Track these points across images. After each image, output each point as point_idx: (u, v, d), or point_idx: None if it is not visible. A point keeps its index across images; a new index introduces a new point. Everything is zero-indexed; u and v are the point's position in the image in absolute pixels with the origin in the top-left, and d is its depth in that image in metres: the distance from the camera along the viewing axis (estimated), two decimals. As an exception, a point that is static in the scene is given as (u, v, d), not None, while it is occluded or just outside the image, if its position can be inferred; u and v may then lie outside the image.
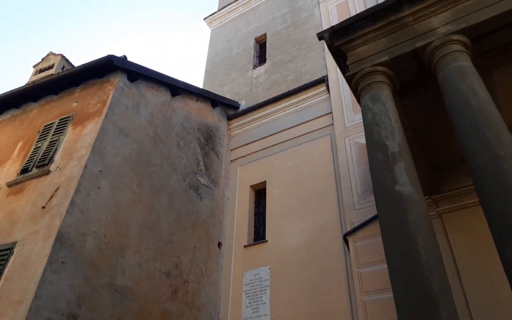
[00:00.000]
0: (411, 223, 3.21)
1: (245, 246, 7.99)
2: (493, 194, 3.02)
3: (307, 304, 6.60)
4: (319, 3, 10.83)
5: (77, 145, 6.36)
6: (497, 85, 4.59)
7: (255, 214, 8.58)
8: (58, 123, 7.03)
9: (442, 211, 5.63)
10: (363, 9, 9.11)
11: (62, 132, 6.80)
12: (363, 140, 6.65)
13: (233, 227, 8.38)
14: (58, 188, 5.78)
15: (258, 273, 7.45)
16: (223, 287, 7.80)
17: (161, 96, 8.34)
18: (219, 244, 8.26)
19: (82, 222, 5.52)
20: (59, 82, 7.59)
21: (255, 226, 8.39)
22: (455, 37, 3.99)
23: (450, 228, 5.51)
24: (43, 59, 11.80)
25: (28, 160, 6.66)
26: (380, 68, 4.32)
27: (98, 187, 5.95)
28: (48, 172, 6.15)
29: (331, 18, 10.01)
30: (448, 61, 3.94)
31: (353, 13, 9.22)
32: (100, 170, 6.09)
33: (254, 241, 8.09)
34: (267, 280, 7.27)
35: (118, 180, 6.32)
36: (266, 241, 7.76)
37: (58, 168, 6.14)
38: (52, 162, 6.30)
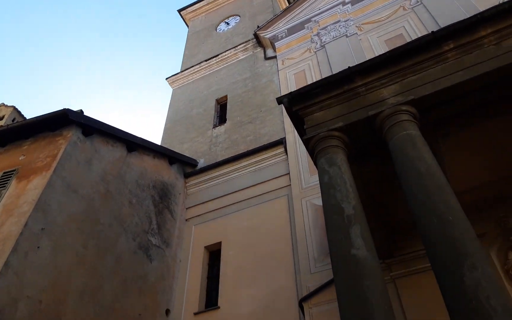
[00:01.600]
0: (367, 288, 3.17)
1: (195, 314, 7.49)
2: (444, 260, 3.04)
3: None
4: (278, 70, 11.36)
5: (19, 200, 5.90)
6: (443, 152, 4.86)
7: (208, 278, 8.15)
8: (1, 176, 6.54)
9: (395, 276, 5.63)
10: (319, 78, 9.65)
11: (4, 186, 6.31)
12: (319, 202, 6.71)
13: (184, 292, 7.88)
14: (-9, 248, 5.23)
15: (208, 343, 6.95)
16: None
17: (117, 151, 8.07)
18: (167, 312, 7.65)
19: (16, 285, 4.97)
20: (7, 134, 7.17)
21: (207, 291, 7.94)
22: (404, 107, 4.25)
23: (403, 293, 5.48)
24: (-8, 110, 11.26)
25: (-40, 217, 6.03)
26: (336, 133, 4.50)
27: (38, 247, 5.45)
28: (-18, 230, 5.58)
29: (289, 84, 10.48)
30: (398, 130, 4.15)
31: (309, 81, 9.71)
32: (42, 228, 5.62)
33: (206, 308, 7.61)
34: (215, 351, 6.78)
35: (61, 240, 5.84)
36: (219, 307, 7.32)
37: (-6, 226, 5.59)
38: (-11, 219, 5.75)
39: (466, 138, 4.81)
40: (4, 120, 10.70)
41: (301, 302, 6.23)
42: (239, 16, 15.76)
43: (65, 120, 6.86)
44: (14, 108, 11.58)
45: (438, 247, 3.14)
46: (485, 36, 4.30)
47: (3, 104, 11.76)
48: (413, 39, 6.48)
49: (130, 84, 51.81)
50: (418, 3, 10.06)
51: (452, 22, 4.60)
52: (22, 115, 11.34)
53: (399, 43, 7.88)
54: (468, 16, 4.49)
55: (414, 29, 9.47)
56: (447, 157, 4.88)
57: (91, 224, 6.52)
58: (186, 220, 9.19)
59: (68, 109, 6.80)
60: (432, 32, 4.56)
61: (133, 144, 8.58)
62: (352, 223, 3.65)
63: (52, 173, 6.16)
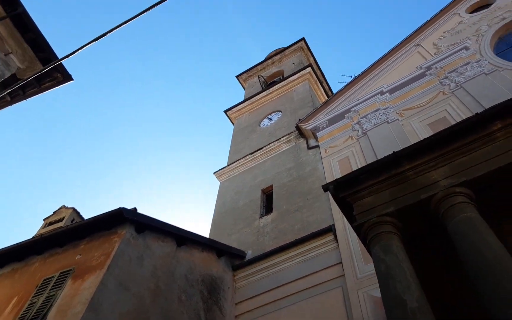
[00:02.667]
0: None
1: None
2: None
3: None
4: (322, 158, 11.52)
5: (73, 300, 6.03)
6: (508, 235, 4.52)
7: None
8: (58, 276, 6.79)
9: None
10: (363, 163, 9.63)
11: (60, 286, 6.52)
12: (378, 293, 6.25)
13: None
14: (46, 349, 5.29)
15: None
16: None
17: (167, 246, 8.24)
18: None
19: None
20: (65, 234, 7.61)
21: None
22: (458, 189, 4.10)
23: None
24: (54, 212, 12.14)
25: (20, 318, 6.25)
26: (388, 218, 4.36)
27: (90, 349, 5.43)
28: (38, 331, 5.72)
29: (334, 171, 10.51)
30: (455, 213, 3.97)
31: (354, 168, 9.69)
32: (94, 329, 5.64)
33: None
34: None
35: (112, 340, 5.80)
36: None
37: (50, 326, 5.72)
38: (45, 320, 5.91)
39: None
40: (64, 222, 11.43)
41: None
42: (281, 112, 16.59)
43: (120, 219, 7.18)
44: (74, 210, 12.41)
45: None
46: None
47: (64, 206, 12.66)
48: (457, 121, 6.42)
49: (179, 180, 54.49)
50: (458, 88, 10.11)
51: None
52: (80, 216, 12.09)
53: (443, 126, 7.79)
54: (513, 96, 4.43)
55: (457, 111, 9.39)
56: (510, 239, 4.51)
57: (141, 323, 6.45)
58: (235, 316, 8.84)
59: (123, 208, 7.16)
60: (477, 113, 4.54)
61: (182, 238, 8.69)
62: (417, 317, 3.38)
63: (106, 271, 6.30)
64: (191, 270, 8.72)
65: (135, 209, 7.56)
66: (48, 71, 6.59)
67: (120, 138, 54.27)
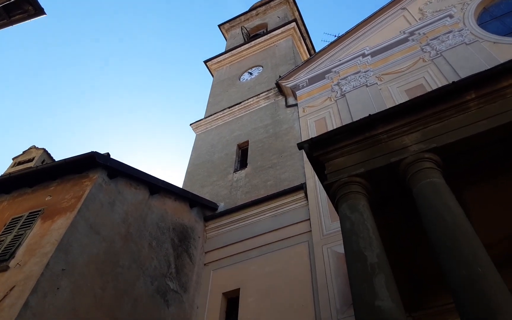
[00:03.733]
0: None
1: None
2: (474, 315, 2.89)
3: None
4: (299, 117, 11.54)
5: (43, 240, 6.00)
6: (469, 202, 4.71)
7: (226, 326, 7.89)
8: (27, 216, 6.70)
9: None
10: (339, 125, 9.72)
11: (29, 226, 6.45)
12: (341, 250, 6.54)
13: (200, 340, 7.63)
14: (13, 286, 5.29)
15: None
16: None
17: (139, 194, 8.22)
18: (184, 359, 7.44)
19: (34, 327, 4.95)
20: (36, 174, 7.44)
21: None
22: (426, 155, 4.19)
23: None
24: (24, 152, 11.74)
25: (-14, 254, 6.18)
26: (357, 179, 4.45)
27: (58, 288, 5.46)
28: (6, 268, 5.68)
29: (310, 131, 10.59)
30: (421, 177, 4.08)
31: (330, 128, 9.80)
32: (62, 269, 5.66)
33: None
34: None
35: (80, 282, 5.85)
36: None
37: (18, 265, 5.69)
38: (13, 258, 5.85)
39: (492, 189, 4.68)
40: (34, 162, 11.07)
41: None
42: (262, 67, 16.32)
43: (92, 163, 7.07)
44: (44, 151, 12.00)
45: (467, 301, 3.00)
46: (508, 86, 4.29)
47: (34, 147, 12.21)
48: (433, 89, 6.52)
49: (155, 129, 53.55)
50: (438, 56, 10.19)
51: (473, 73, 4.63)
52: (51, 157, 11.73)
53: (419, 92, 7.92)
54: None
55: (434, 79, 9.53)
56: (472, 207, 4.74)
57: (110, 266, 6.52)
58: (205, 264, 9.09)
59: (95, 153, 7.03)
60: (453, 82, 4.59)
61: (156, 187, 8.69)
62: (376, 272, 3.52)
63: (76, 214, 6.27)
64: (162, 218, 8.80)
65: (108, 154, 7.44)
66: (18, 3, 6.14)
67: (96, 81, 52.25)
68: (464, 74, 8.35)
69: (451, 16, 11.24)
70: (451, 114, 4.45)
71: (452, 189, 3.99)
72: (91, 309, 5.86)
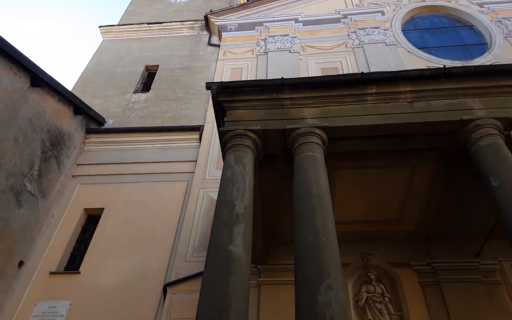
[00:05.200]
0: (232, 284, 3.16)
1: (51, 273, 6.79)
2: (307, 276, 3.14)
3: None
4: (217, 59, 11.05)
5: None
6: (337, 182, 5.15)
7: (78, 241, 7.44)
8: None
9: (262, 282, 5.85)
10: (253, 79, 9.57)
11: None
12: (216, 197, 6.53)
13: (46, 249, 7.10)
14: None
15: (55, 307, 6.31)
16: (6, 313, 6.34)
17: (18, 81, 7.30)
18: (20, 263, 6.82)
19: None
20: None
21: (74, 254, 7.24)
22: (317, 131, 4.35)
23: (264, 299, 5.68)
24: None
25: None
26: (251, 134, 4.49)
27: None
28: None
29: (224, 77, 10.25)
30: (305, 150, 4.24)
31: (244, 79, 9.58)
32: None
33: (65, 270, 6.96)
34: (62, 316, 6.18)
35: None
36: (79, 272, 6.74)
37: None
38: None
39: (357, 176, 5.12)
40: None
41: (166, 286, 6.13)
42: (196, -8, 15.16)
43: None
44: None
45: (305, 263, 3.24)
46: (404, 92, 4.55)
47: None
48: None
49: (59, 18, 46.83)
50: (359, 46, 10.57)
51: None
52: None
53: (333, 74, 8.12)
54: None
55: (349, 67, 9.92)
56: (339, 188, 5.15)
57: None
58: (73, 176, 8.32)
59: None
60: (362, 73, 4.74)
61: (39, 79, 7.74)
62: (239, 221, 3.64)
63: None
64: (39, 116, 7.84)
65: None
66: None
67: None
68: (374, 70, 8.80)
69: (383, 13, 11.70)
70: (350, 101, 4.69)
71: (327, 166, 4.20)
72: None
